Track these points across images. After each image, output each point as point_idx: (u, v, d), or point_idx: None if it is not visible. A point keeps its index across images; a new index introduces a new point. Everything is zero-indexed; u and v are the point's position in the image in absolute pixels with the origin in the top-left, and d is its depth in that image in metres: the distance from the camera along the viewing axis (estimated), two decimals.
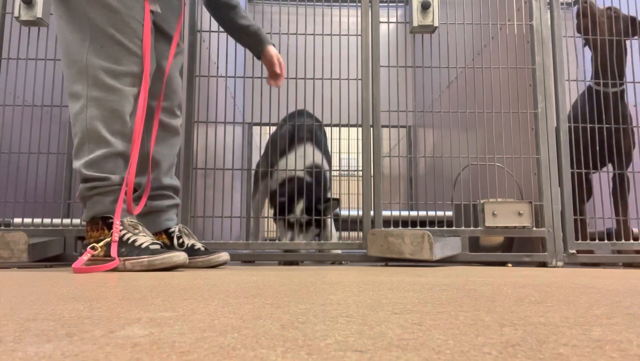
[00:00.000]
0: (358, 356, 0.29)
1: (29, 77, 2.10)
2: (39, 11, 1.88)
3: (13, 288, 0.77)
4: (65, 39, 1.41)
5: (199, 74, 2.03)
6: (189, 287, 0.76)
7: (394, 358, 0.29)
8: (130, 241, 1.32)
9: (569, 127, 2.01)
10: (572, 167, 1.98)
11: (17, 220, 1.90)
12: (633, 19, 2.10)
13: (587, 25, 2.05)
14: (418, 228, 1.85)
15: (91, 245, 1.31)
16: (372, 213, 1.94)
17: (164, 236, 1.61)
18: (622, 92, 2.08)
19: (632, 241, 1.96)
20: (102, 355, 0.30)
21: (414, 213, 2.13)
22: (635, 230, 2.04)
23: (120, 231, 1.33)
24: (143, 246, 1.31)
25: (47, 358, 0.29)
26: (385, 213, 1.96)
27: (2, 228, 1.85)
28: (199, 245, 1.59)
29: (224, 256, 1.57)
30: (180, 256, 1.32)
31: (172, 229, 1.61)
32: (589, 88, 2.08)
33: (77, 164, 1.38)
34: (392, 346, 0.32)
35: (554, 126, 1.98)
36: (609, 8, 2.08)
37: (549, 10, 2.07)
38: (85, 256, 1.29)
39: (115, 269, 1.29)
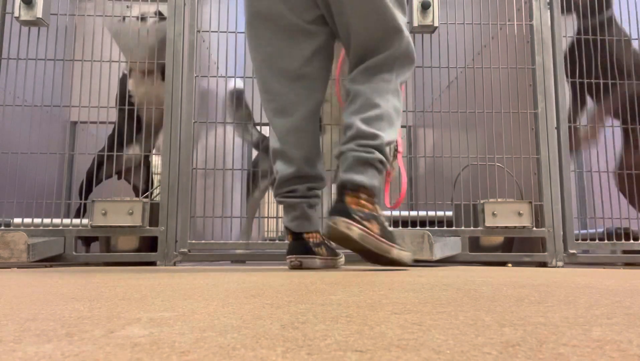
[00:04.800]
0: (358, 356, 0.29)
1: (29, 77, 2.10)
2: (39, 11, 1.88)
3: (13, 288, 0.77)
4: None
5: (199, 74, 2.02)
6: (189, 287, 0.76)
7: (394, 358, 0.29)
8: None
9: (569, 127, 2.01)
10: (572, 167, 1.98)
11: (17, 220, 1.90)
12: None
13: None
14: (418, 228, 1.85)
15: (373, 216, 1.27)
16: None
17: (319, 236, 1.44)
18: None
19: (632, 241, 1.96)
20: (102, 355, 0.30)
21: (414, 213, 2.13)
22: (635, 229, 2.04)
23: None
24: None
25: (47, 358, 0.29)
26: (385, 213, 1.96)
27: (2, 228, 1.85)
28: None
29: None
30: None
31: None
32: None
33: (382, 138, 1.33)
34: (392, 346, 0.32)
35: (554, 126, 1.98)
36: None
37: (549, 10, 2.07)
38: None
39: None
